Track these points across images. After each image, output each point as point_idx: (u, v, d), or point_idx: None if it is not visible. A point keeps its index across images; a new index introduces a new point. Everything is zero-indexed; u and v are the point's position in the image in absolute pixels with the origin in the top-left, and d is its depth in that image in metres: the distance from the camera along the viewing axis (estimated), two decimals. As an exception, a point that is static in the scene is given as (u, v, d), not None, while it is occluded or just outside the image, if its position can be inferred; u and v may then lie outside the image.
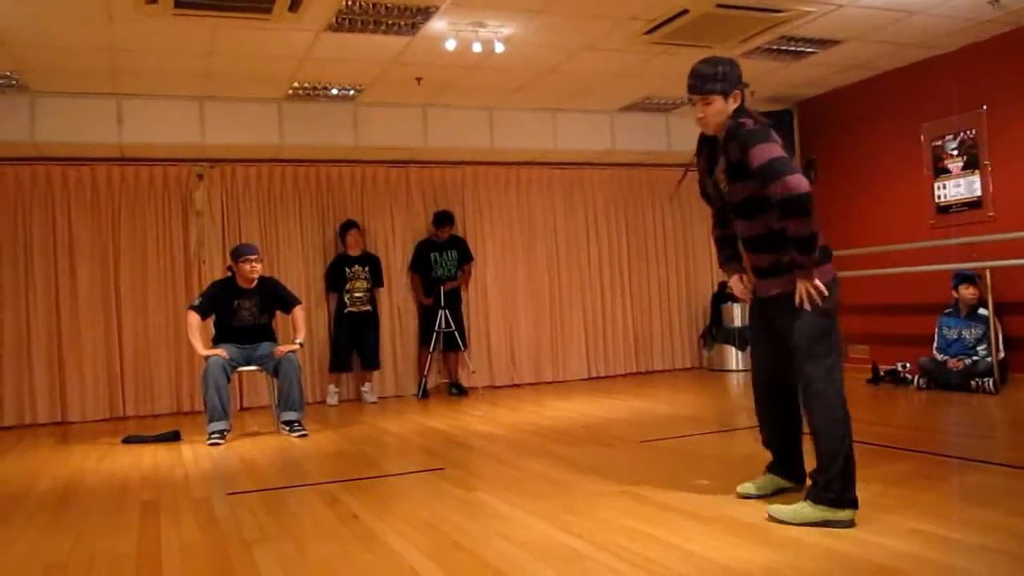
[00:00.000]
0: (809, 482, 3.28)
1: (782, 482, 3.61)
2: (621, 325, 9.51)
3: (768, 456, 3.70)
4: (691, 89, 3.36)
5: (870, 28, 6.57)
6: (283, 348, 6.21)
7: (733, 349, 9.19)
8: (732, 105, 3.31)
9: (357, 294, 8.09)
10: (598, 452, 4.94)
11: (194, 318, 6.16)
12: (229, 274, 6.44)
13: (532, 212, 9.23)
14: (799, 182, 3.06)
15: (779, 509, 3.24)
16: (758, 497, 3.56)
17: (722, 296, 9.56)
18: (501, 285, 9.03)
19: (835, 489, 3.12)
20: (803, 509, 3.17)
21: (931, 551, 2.78)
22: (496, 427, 6.14)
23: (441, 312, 8.22)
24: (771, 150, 3.14)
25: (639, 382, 8.83)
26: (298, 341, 6.28)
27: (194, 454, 5.58)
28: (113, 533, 3.58)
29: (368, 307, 8.14)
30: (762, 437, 3.70)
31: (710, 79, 3.31)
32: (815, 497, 3.16)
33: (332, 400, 8.07)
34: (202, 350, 6.08)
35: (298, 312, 6.44)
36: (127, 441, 6.16)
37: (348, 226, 8.19)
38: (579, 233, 9.41)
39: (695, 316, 9.86)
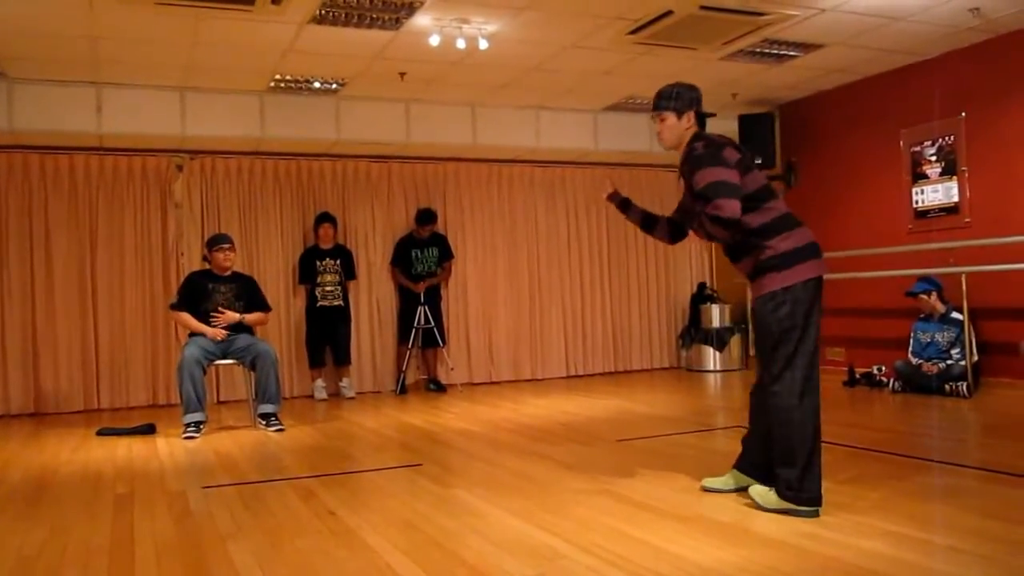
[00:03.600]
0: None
1: (746, 479, 3.66)
2: (600, 324, 9.53)
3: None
4: (652, 108, 3.70)
5: (852, 33, 6.62)
6: (229, 315, 6.17)
7: (711, 349, 9.24)
8: (685, 124, 3.61)
9: (328, 288, 8.05)
10: (576, 450, 4.95)
11: (180, 314, 6.22)
12: (206, 265, 6.45)
13: (513, 210, 9.23)
14: (726, 206, 3.28)
15: (756, 490, 3.46)
16: (721, 491, 3.68)
17: (701, 297, 9.62)
18: (481, 282, 9.02)
19: (795, 487, 3.30)
20: (769, 495, 3.39)
21: (906, 553, 2.80)
22: (474, 424, 6.14)
23: (420, 308, 8.21)
24: (712, 174, 3.37)
25: (617, 381, 8.85)
26: (241, 316, 6.23)
27: (169, 447, 5.53)
28: (86, 526, 3.55)
29: (339, 302, 8.10)
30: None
31: (665, 97, 3.63)
32: (779, 492, 3.35)
33: (320, 395, 8.03)
34: (201, 327, 6.10)
35: (260, 313, 6.42)
36: (101, 433, 6.10)
37: (321, 219, 8.14)
38: (560, 232, 9.42)
39: (674, 316, 9.89)
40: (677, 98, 3.59)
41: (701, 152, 3.46)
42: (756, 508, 3.38)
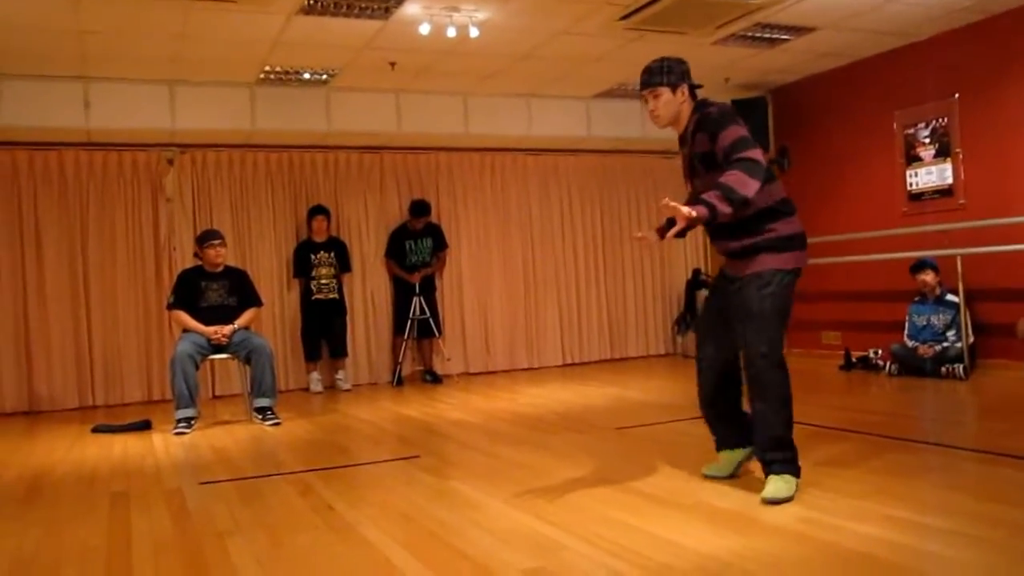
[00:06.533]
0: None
1: (739, 454, 3.68)
2: (596, 312, 9.52)
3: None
4: (641, 86, 3.56)
5: (845, 15, 6.58)
6: (227, 329, 6.15)
7: (707, 336, 9.21)
8: (680, 98, 3.49)
9: (323, 281, 8.02)
10: (573, 439, 4.94)
11: (179, 314, 6.20)
12: (197, 261, 6.44)
13: (507, 199, 9.20)
14: (759, 154, 3.24)
15: (770, 492, 3.32)
16: (722, 478, 3.67)
17: (696, 283, 9.60)
18: (476, 272, 9.00)
19: (795, 461, 3.39)
20: (781, 483, 3.32)
21: (905, 536, 2.80)
22: (471, 414, 6.12)
23: (415, 299, 8.18)
24: (738, 131, 3.30)
25: (614, 369, 8.84)
26: (234, 324, 6.20)
27: (165, 443, 5.51)
28: (82, 525, 3.53)
29: (335, 294, 8.07)
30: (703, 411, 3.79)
31: (656, 73, 3.49)
32: (789, 471, 3.36)
33: (316, 387, 8.00)
34: (200, 327, 6.10)
35: (252, 310, 6.40)
36: (96, 430, 6.07)
37: (315, 212, 8.11)
38: (554, 220, 9.39)
39: (669, 303, 9.88)
40: (669, 72, 3.46)
41: (717, 114, 3.37)
42: (776, 503, 3.23)
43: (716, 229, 3.49)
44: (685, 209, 3.15)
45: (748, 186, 3.16)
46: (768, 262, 3.37)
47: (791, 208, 3.46)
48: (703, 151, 3.40)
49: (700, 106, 3.48)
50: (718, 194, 3.15)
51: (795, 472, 3.36)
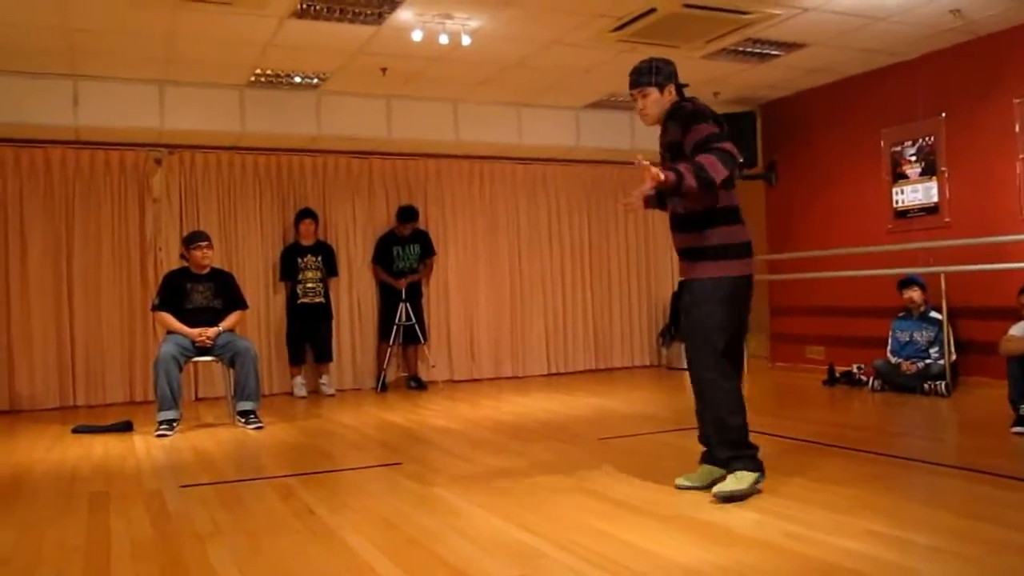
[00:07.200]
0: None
1: (717, 471, 3.71)
2: (581, 322, 9.53)
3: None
4: (630, 86, 3.72)
5: (835, 33, 6.63)
6: (211, 331, 6.12)
7: (692, 348, 9.23)
8: (668, 98, 3.65)
9: (309, 285, 8.00)
10: (556, 449, 4.93)
11: (163, 315, 6.17)
12: (183, 263, 6.42)
13: (495, 207, 9.20)
14: (733, 148, 3.41)
15: (720, 486, 3.52)
16: (695, 488, 3.70)
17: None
18: (462, 279, 8.99)
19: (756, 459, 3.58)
20: (743, 476, 3.50)
21: (888, 552, 2.80)
22: (454, 422, 6.11)
23: (401, 305, 8.17)
24: (711, 128, 3.47)
25: (598, 379, 8.85)
26: (219, 327, 6.18)
27: (146, 445, 5.47)
28: (61, 526, 3.50)
29: (321, 299, 8.06)
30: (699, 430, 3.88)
31: (644, 73, 3.66)
32: (749, 467, 3.54)
33: (300, 392, 7.98)
34: (184, 329, 6.07)
35: (237, 313, 6.38)
36: (77, 431, 6.03)
37: (303, 215, 8.09)
38: (541, 229, 9.40)
39: (655, 314, 9.90)
40: (657, 72, 3.65)
41: (692, 109, 3.54)
42: (733, 499, 3.44)
43: (675, 219, 3.68)
44: (654, 170, 3.31)
45: (718, 171, 3.34)
46: (709, 270, 3.54)
47: (739, 217, 3.62)
48: (672, 140, 3.58)
49: (679, 100, 3.66)
50: (688, 167, 3.32)
51: (751, 467, 3.52)
